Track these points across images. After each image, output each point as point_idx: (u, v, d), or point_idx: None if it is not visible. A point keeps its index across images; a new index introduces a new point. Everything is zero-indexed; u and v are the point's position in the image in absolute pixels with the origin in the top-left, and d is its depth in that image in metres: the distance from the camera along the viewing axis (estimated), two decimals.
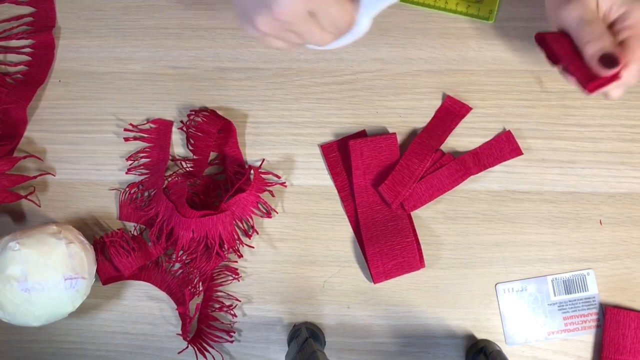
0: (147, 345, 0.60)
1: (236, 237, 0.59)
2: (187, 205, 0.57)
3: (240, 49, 0.62)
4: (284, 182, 0.60)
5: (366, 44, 0.61)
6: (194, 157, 0.61)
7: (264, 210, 0.60)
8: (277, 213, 0.60)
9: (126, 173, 0.61)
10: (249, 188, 0.58)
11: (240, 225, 0.60)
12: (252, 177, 0.59)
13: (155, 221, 0.59)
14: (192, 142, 0.61)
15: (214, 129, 0.60)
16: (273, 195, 0.60)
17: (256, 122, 0.61)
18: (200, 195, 0.60)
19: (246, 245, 0.60)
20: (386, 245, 0.57)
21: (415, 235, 0.58)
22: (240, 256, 0.60)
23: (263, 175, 0.60)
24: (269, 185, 0.60)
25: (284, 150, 0.61)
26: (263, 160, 0.60)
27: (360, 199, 0.58)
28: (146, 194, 0.61)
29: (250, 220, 0.59)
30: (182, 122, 0.61)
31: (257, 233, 0.60)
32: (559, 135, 0.60)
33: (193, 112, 0.61)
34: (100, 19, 0.63)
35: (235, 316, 0.60)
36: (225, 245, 0.58)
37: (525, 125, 0.60)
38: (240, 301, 0.60)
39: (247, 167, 0.60)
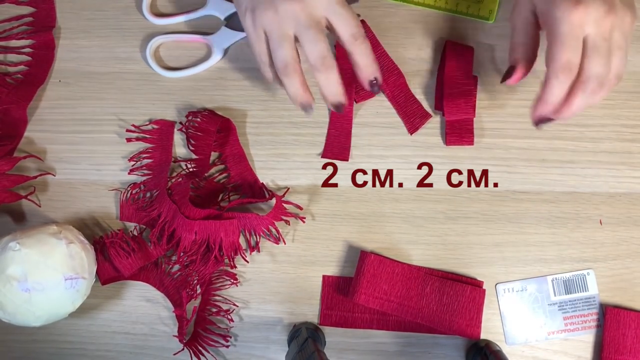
0: (147, 345, 0.60)
1: (236, 247, 0.59)
2: (191, 204, 0.57)
3: (240, 48, 0.62)
4: (304, 218, 0.60)
5: None
6: (196, 157, 0.61)
7: (275, 236, 0.60)
8: (285, 244, 0.60)
9: (129, 174, 0.61)
10: (267, 214, 0.58)
11: (246, 236, 0.59)
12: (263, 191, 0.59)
13: (157, 222, 0.59)
14: (193, 142, 0.61)
15: (213, 128, 0.60)
16: (288, 224, 0.60)
17: (256, 122, 0.61)
18: (203, 198, 0.60)
19: (242, 257, 0.59)
20: None
21: None
22: (234, 267, 0.60)
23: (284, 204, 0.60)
24: (288, 216, 0.60)
25: (284, 150, 0.61)
26: (287, 189, 0.60)
27: None
28: (148, 194, 0.61)
29: (257, 237, 0.59)
30: (181, 123, 0.61)
31: (259, 252, 0.60)
32: (559, 135, 0.60)
33: (191, 114, 0.61)
34: (100, 19, 0.63)
35: (232, 320, 0.60)
36: (223, 252, 0.58)
37: (525, 125, 0.60)
38: (237, 306, 0.60)
39: (270, 193, 0.60)
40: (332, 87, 0.51)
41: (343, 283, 0.59)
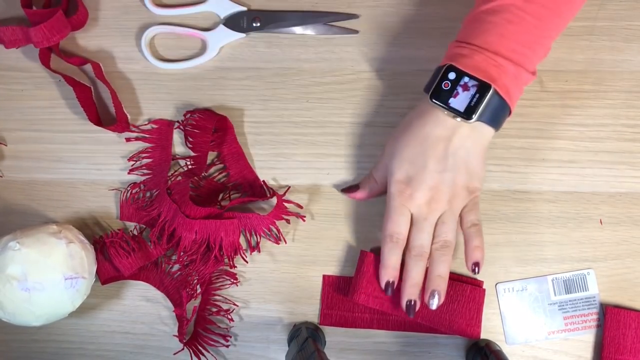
0: (147, 344, 0.60)
1: (237, 247, 0.59)
2: (191, 202, 0.57)
3: (240, 48, 0.62)
4: (304, 217, 0.60)
5: (366, 44, 0.61)
6: (194, 154, 0.61)
7: (276, 236, 0.60)
8: (286, 243, 0.60)
9: (128, 173, 0.61)
10: (269, 213, 0.58)
11: (247, 236, 0.59)
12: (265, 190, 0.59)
13: (157, 221, 0.59)
14: (191, 139, 0.61)
15: (210, 125, 0.60)
16: (289, 223, 0.60)
17: (256, 122, 0.61)
18: (203, 197, 0.60)
19: (242, 257, 0.59)
20: None
21: None
22: (233, 266, 0.60)
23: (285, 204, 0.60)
24: (289, 215, 0.60)
25: (284, 149, 0.61)
26: (289, 187, 0.60)
27: None
28: (148, 194, 0.61)
29: (258, 237, 0.59)
30: (178, 121, 0.61)
31: (259, 252, 0.60)
32: (560, 135, 0.60)
33: (189, 112, 0.61)
34: (100, 19, 0.63)
35: (232, 320, 0.60)
36: (223, 252, 0.58)
37: (525, 125, 0.60)
38: (237, 306, 0.60)
39: (271, 191, 0.60)
40: (417, 277, 0.54)
41: (343, 283, 0.59)
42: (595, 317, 0.58)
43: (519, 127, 0.60)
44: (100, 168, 0.62)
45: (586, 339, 0.58)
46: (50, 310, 0.55)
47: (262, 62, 0.62)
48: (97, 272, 0.58)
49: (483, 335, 0.58)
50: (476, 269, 0.55)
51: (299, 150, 0.61)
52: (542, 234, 0.59)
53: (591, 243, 0.59)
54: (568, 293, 0.58)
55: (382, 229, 0.55)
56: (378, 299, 0.57)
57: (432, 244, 0.54)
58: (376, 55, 0.61)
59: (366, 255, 0.58)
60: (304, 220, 0.60)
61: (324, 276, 0.60)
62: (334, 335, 0.59)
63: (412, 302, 0.54)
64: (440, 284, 0.54)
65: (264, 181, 0.60)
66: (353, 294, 0.57)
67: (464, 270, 0.59)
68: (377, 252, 0.59)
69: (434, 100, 0.52)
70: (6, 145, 0.62)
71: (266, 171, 0.61)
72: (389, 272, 0.55)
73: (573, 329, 0.58)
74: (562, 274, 0.59)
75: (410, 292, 0.54)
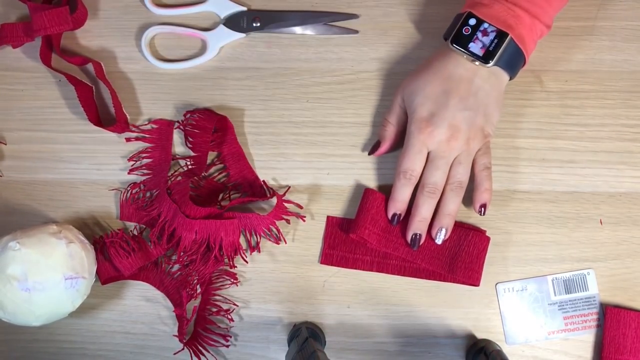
0: (147, 344, 0.60)
1: (237, 247, 0.59)
2: (191, 202, 0.57)
3: (240, 48, 0.62)
4: (304, 217, 0.60)
5: (366, 44, 0.61)
6: (194, 154, 0.61)
7: (276, 236, 0.60)
8: (286, 244, 0.60)
9: (128, 173, 0.61)
10: (269, 213, 0.58)
11: (247, 236, 0.60)
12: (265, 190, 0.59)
13: (157, 221, 0.59)
14: (191, 139, 0.61)
15: (210, 125, 0.60)
16: (289, 223, 0.60)
17: (256, 122, 0.61)
18: (203, 197, 0.60)
19: (242, 257, 0.59)
20: None
21: None
22: (233, 266, 0.60)
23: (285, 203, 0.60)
24: (289, 215, 0.60)
25: (284, 149, 0.61)
26: (289, 188, 0.60)
27: None
28: (148, 194, 0.61)
29: (258, 237, 0.59)
30: (178, 121, 0.61)
31: (259, 252, 0.60)
32: (559, 135, 0.60)
33: (189, 113, 0.61)
34: (100, 19, 0.63)
35: (232, 320, 0.60)
36: (224, 252, 0.58)
37: (525, 125, 0.60)
38: (237, 306, 0.60)
39: (271, 191, 0.60)
40: (426, 213, 0.56)
41: (347, 224, 0.59)
42: (595, 317, 0.58)
43: (519, 127, 0.60)
44: (100, 168, 0.62)
45: (586, 339, 0.58)
46: (51, 310, 0.55)
47: (262, 62, 0.62)
48: (97, 272, 0.58)
49: (483, 335, 0.58)
50: (483, 209, 0.57)
51: (299, 150, 0.61)
52: (542, 234, 0.59)
53: (591, 243, 0.59)
54: (568, 293, 0.58)
55: (397, 164, 0.56)
56: (379, 236, 0.57)
57: (445, 183, 0.56)
58: (376, 55, 0.61)
59: (370, 193, 0.58)
60: (304, 221, 0.60)
61: (328, 217, 0.60)
62: (334, 335, 0.59)
63: (418, 236, 0.56)
64: (449, 221, 0.56)
65: (264, 181, 0.61)
66: (355, 229, 0.57)
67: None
68: (382, 192, 0.59)
69: (454, 45, 0.54)
70: (6, 144, 0.62)
71: (266, 171, 0.61)
72: (397, 205, 0.57)
73: (573, 329, 0.58)
74: (562, 274, 0.59)
75: (417, 227, 0.56)
